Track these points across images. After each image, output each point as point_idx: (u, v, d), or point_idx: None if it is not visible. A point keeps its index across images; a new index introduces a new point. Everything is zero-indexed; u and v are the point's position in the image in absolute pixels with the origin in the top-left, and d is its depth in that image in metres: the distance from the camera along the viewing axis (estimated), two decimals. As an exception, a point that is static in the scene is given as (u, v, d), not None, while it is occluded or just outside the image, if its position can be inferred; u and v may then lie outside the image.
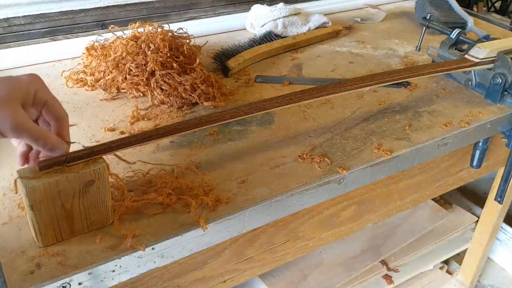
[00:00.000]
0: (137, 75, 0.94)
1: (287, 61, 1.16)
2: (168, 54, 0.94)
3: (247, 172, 0.76)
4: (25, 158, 0.61)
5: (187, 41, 1.00)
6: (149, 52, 0.93)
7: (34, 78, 0.60)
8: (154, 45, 0.94)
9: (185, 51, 0.97)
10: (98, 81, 0.97)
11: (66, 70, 1.02)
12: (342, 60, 1.17)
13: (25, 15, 1.09)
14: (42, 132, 0.57)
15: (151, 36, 0.96)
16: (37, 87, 0.59)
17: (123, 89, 0.96)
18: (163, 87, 0.93)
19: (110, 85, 0.96)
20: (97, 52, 1.01)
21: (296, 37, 1.24)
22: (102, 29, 1.19)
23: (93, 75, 0.98)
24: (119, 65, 0.95)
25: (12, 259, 0.59)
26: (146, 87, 0.93)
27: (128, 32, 1.00)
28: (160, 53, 0.93)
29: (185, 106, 0.93)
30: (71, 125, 0.85)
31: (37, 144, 0.57)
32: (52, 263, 0.59)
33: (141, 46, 0.94)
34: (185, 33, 1.01)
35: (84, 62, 1.02)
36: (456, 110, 0.98)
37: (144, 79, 0.93)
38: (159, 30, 0.98)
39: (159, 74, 0.92)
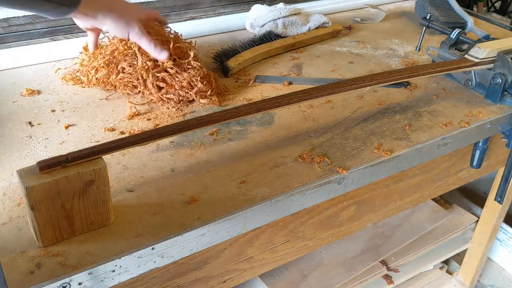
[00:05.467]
0: (131, 74, 0.94)
1: (287, 61, 1.16)
2: None
3: (247, 172, 0.76)
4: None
5: (172, 36, 0.98)
6: (137, 52, 0.93)
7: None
8: None
9: (171, 49, 0.95)
10: (95, 80, 0.97)
11: (64, 70, 1.02)
12: (342, 60, 1.17)
13: (25, 15, 1.09)
14: (154, 40, 0.89)
15: None
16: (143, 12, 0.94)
17: (120, 88, 0.96)
18: (160, 85, 0.93)
19: (107, 84, 0.96)
20: (94, 51, 1.00)
21: (296, 37, 1.24)
22: (102, 29, 1.19)
23: (89, 74, 0.98)
24: (113, 64, 0.95)
25: (12, 259, 0.59)
26: (143, 87, 0.94)
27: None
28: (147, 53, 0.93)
29: (181, 102, 0.93)
30: (71, 125, 0.86)
31: (150, 46, 0.88)
32: (52, 263, 0.59)
33: (131, 46, 0.95)
34: (170, 28, 1.00)
35: (80, 62, 1.02)
36: (456, 110, 0.98)
37: (140, 78, 0.93)
38: None
39: (153, 73, 0.92)
